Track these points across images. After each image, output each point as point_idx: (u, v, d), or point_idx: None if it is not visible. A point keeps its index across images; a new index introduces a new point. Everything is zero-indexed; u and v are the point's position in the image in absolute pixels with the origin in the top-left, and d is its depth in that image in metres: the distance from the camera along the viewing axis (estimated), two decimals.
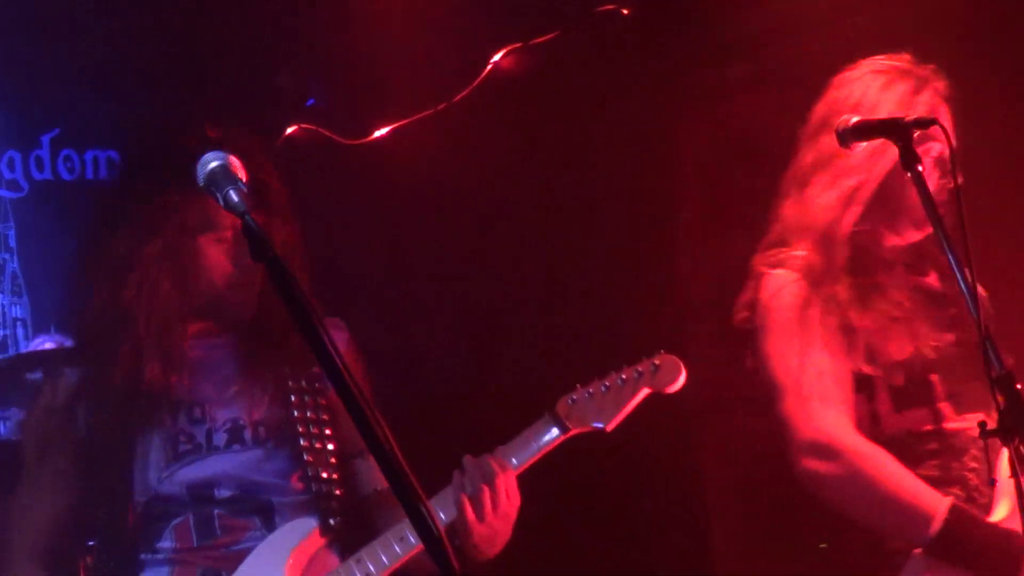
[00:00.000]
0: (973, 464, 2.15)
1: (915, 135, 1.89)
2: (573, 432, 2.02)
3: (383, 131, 3.79)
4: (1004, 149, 2.93)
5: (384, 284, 3.82)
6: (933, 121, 1.93)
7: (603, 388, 2.04)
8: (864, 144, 2.04)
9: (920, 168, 1.87)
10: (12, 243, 3.91)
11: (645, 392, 2.04)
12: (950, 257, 1.82)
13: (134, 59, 3.97)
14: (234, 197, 1.25)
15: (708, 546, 3.71)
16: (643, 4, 3.55)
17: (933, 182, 2.00)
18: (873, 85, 2.22)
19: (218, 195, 1.27)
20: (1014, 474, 1.63)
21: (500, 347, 3.88)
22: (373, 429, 1.07)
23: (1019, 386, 1.66)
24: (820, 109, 2.28)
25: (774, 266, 2.25)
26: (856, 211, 2.21)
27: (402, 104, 3.77)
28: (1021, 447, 1.63)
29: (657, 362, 2.04)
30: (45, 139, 4.02)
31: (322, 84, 3.94)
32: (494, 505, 1.88)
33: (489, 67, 3.63)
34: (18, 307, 3.83)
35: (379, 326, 3.43)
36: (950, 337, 2.20)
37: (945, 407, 2.18)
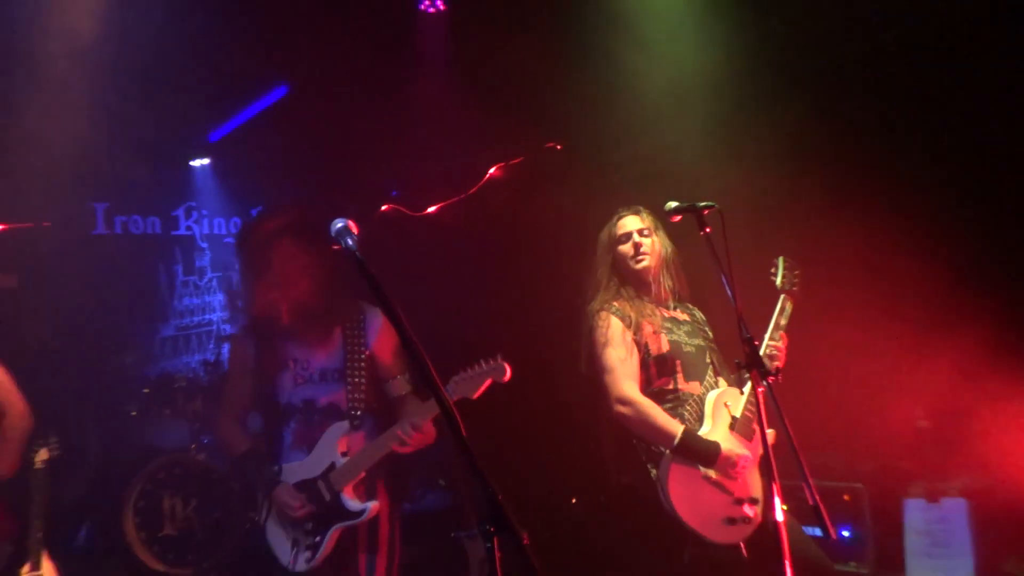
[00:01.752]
0: (690, 408, 2.87)
1: (704, 213, 2.52)
2: (457, 398, 2.52)
3: (433, 208, 5.50)
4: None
5: (430, 297, 5.26)
6: (712, 204, 2.54)
7: (471, 374, 2.55)
8: (678, 217, 2.63)
9: (708, 230, 2.49)
10: (237, 266, 5.83)
11: (489, 380, 2.55)
12: (724, 280, 2.39)
13: (290, 168, 5.66)
14: (349, 242, 1.80)
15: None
16: (566, 139, 5.10)
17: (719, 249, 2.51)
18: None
19: (342, 240, 1.81)
20: (752, 404, 2.51)
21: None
22: (415, 349, 1.64)
23: (757, 342, 2.34)
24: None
25: (601, 310, 2.99)
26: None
27: (444, 193, 5.46)
28: (756, 377, 2.28)
29: (499, 362, 2.56)
30: (253, 212, 6.00)
31: (400, 182, 5.69)
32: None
33: (488, 175, 5.44)
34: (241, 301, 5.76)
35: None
36: (691, 342, 2.98)
37: (679, 378, 2.89)
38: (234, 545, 4.70)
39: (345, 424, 2.64)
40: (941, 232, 3.73)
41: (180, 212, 5.75)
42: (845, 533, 3.54)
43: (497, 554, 1.67)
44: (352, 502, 2.60)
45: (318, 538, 2.59)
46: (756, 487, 2.80)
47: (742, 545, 2.74)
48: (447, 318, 5.43)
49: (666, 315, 3.01)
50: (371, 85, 4.88)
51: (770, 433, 2.69)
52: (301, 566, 2.59)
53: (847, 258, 3.03)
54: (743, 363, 2.29)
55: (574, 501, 4.89)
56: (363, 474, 2.61)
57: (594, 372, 2.94)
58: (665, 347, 2.89)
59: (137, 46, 4.40)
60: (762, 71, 4.24)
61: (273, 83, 4.85)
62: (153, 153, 5.45)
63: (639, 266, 2.99)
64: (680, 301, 3.10)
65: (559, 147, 5.18)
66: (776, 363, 2.88)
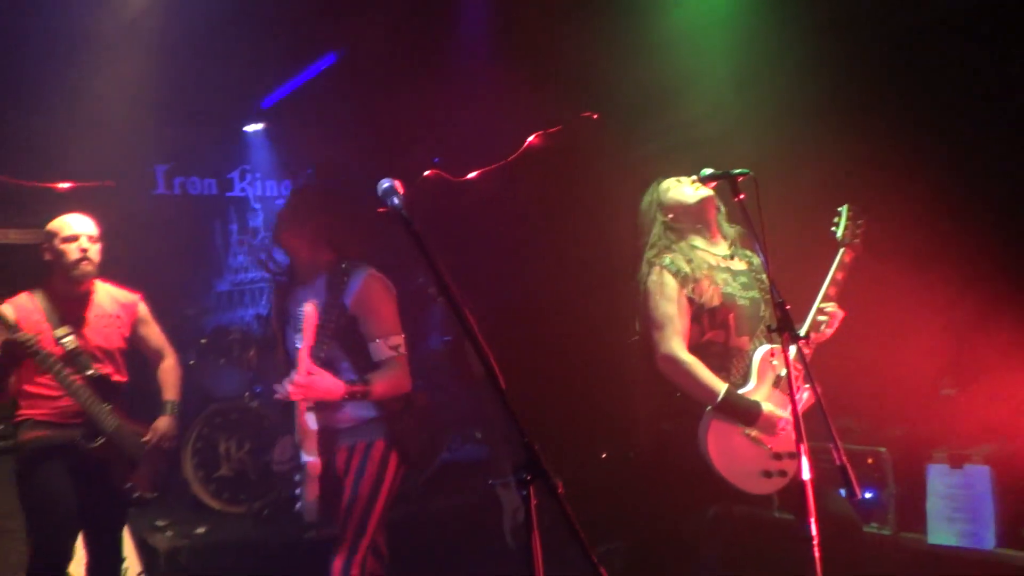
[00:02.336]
0: (736, 363, 2.81)
1: (738, 180, 2.47)
2: None
3: (473, 174, 5.44)
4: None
5: (469, 254, 5.45)
6: (747, 171, 2.48)
7: None
8: (713, 183, 2.68)
9: (742, 197, 2.45)
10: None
11: None
12: (758, 245, 2.37)
13: (337, 134, 5.72)
14: (395, 201, 1.82)
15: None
16: (601, 109, 5.02)
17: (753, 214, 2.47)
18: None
19: (388, 200, 1.83)
20: (786, 362, 2.22)
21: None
22: (458, 307, 1.68)
23: (787, 307, 2.26)
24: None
25: (655, 264, 2.86)
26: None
27: (484, 160, 5.29)
28: (787, 339, 2.24)
29: None
30: (307, 173, 6.08)
31: (442, 149, 5.72)
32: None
33: (526, 143, 5.41)
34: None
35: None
36: (746, 295, 2.84)
37: (731, 332, 2.81)
38: (284, 486, 4.74)
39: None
40: (976, 196, 3.61)
41: (235, 175, 5.85)
42: (867, 495, 3.53)
43: (532, 501, 1.74)
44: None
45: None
46: (794, 443, 2.78)
47: (775, 497, 2.78)
48: (487, 280, 5.50)
49: (722, 264, 2.89)
50: (417, 53, 4.87)
51: (808, 395, 2.66)
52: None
53: (879, 222, 2.95)
54: (774, 326, 2.26)
55: (604, 456, 4.94)
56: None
57: (643, 325, 2.87)
58: (717, 300, 2.79)
59: (194, 17, 4.44)
60: (800, 37, 4.10)
61: (323, 51, 4.85)
62: (210, 119, 5.55)
63: (696, 206, 2.86)
64: (738, 248, 2.99)
65: (595, 116, 5.13)
66: (826, 328, 2.80)
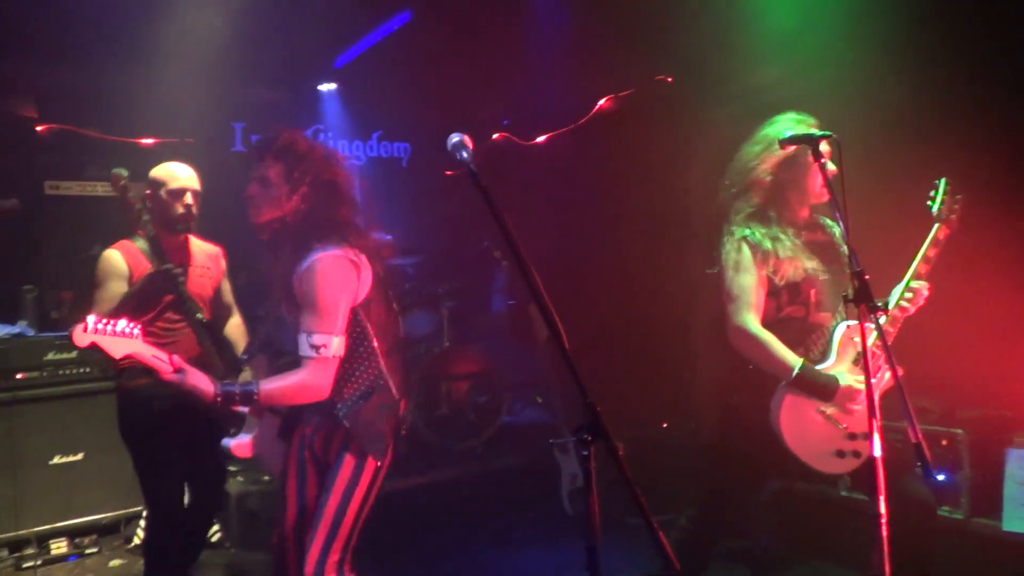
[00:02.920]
0: (816, 339, 2.71)
1: (819, 143, 2.36)
2: None
3: (542, 138, 5.47)
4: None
5: (537, 218, 5.42)
6: (829, 134, 2.39)
7: None
8: (792, 147, 2.53)
9: (822, 160, 2.33)
10: (356, 186, 6.03)
11: None
12: (838, 213, 2.22)
13: (408, 94, 5.76)
14: (464, 155, 1.80)
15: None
16: (676, 72, 4.94)
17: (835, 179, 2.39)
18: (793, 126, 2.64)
19: (456, 153, 1.80)
20: (861, 334, 2.10)
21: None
22: (525, 266, 1.66)
23: (866, 277, 2.11)
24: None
25: (736, 234, 2.71)
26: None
27: (553, 124, 5.40)
28: (865, 310, 2.10)
29: None
30: (375, 135, 6.15)
31: (513, 112, 5.69)
32: None
33: (597, 107, 5.33)
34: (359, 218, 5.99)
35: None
36: (824, 275, 2.70)
37: (811, 307, 2.70)
38: (494, 426, 5.09)
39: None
40: None
41: (308, 133, 5.88)
42: (940, 477, 3.39)
43: (592, 462, 1.71)
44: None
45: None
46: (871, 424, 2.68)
47: (847, 477, 2.67)
48: (554, 245, 5.48)
49: (806, 238, 2.74)
50: (490, 13, 4.81)
51: (889, 376, 2.56)
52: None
53: (967, 196, 2.77)
54: (851, 296, 2.15)
55: (665, 425, 4.90)
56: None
57: (720, 295, 2.74)
58: (799, 275, 2.67)
59: None
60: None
61: (396, 10, 4.82)
62: (286, 78, 5.62)
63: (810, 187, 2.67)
64: (822, 217, 2.83)
65: (670, 80, 5.00)
66: (910, 306, 2.66)
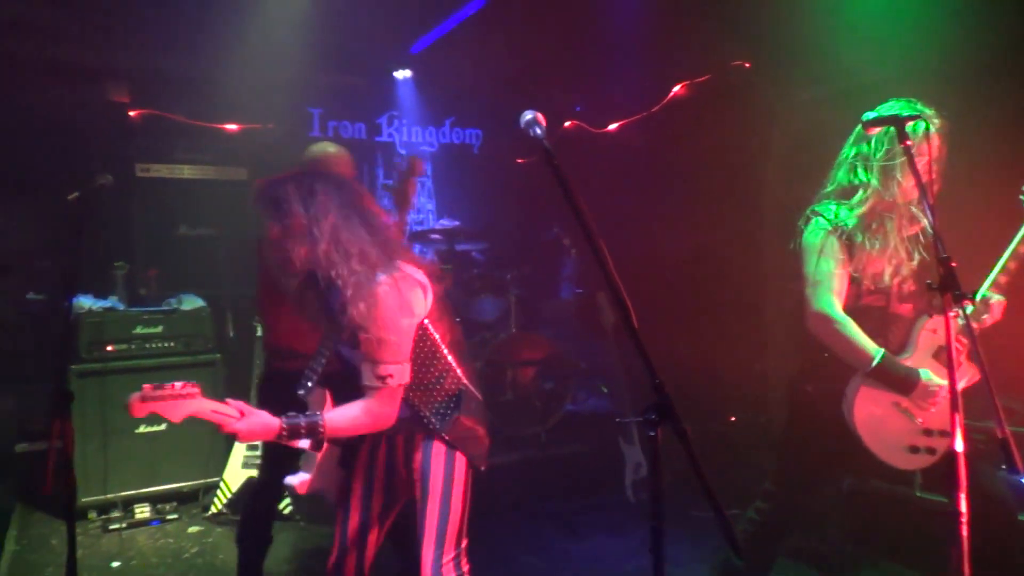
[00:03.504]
0: (896, 330, 2.61)
1: (906, 124, 2.24)
2: None
3: (614, 126, 5.49)
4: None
5: (608, 202, 5.19)
6: (919, 116, 2.26)
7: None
8: (878, 128, 2.40)
9: (909, 143, 2.20)
10: (429, 172, 6.12)
11: None
12: (925, 201, 2.12)
13: (482, 81, 5.77)
14: (538, 131, 1.75)
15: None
16: (754, 57, 4.80)
17: (923, 164, 2.30)
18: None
19: (530, 130, 1.76)
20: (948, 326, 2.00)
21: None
22: (599, 249, 1.64)
23: (953, 264, 2.02)
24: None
25: (822, 216, 2.59)
26: None
27: (625, 112, 5.41)
28: (951, 299, 2.01)
29: None
30: (447, 122, 6.20)
31: (584, 99, 5.67)
32: None
33: (672, 94, 5.26)
34: (430, 204, 6.07)
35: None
36: (909, 265, 2.58)
37: (894, 299, 2.58)
38: (561, 413, 5.08)
39: None
40: None
41: (383, 120, 6.02)
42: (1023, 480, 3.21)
43: (659, 442, 1.70)
44: None
45: None
46: (948, 421, 2.57)
47: (920, 476, 2.58)
48: (622, 233, 5.45)
49: (899, 227, 2.58)
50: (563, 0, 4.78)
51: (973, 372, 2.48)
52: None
53: None
54: (936, 284, 2.06)
55: (733, 419, 4.81)
56: None
57: (799, 279, 2.61)
58: (880, 262, 2.54)
59: None
60: None
61: None
62: (362, 65, 5.72)
63: (888, 175, 2.51)
64: (913, 207, 2.64)
65: (747, 65, 4.89)
66: (995, 300, 2.53)
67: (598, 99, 5.66)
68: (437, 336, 2.26)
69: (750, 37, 4.70)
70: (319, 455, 2.42)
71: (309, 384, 2.33)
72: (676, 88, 5.25)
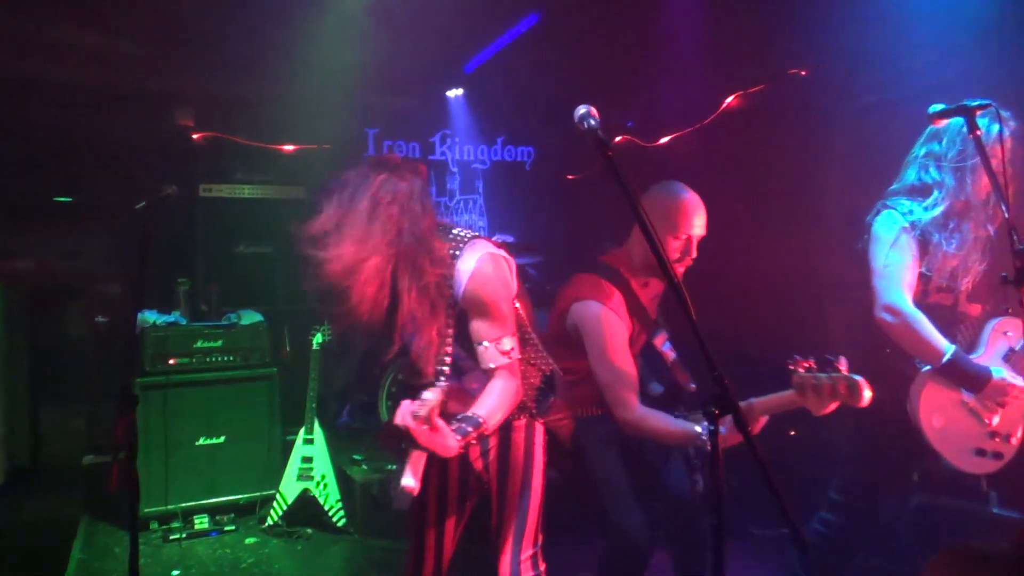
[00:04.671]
0: (964, 330, 2.58)
1: (975, 114, 2.18)
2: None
3: (666, 139, 5.38)
4: None
5: None
6: (988, 103, 2.21)
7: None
8: (945, 120, 2.36)
9: (978, 133, 2.16)
10: (480, 189, 6.16)
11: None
12: (996, 191, 2.09)
13: (534, 99, 5.79)
14: (592, 122, 1.73)
15: None
16: (811, 65, 4.68)
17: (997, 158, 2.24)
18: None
19: (584, 123, 1.74)
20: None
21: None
22: (654, 243, 1.65)
23: None
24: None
25: (896, 210, 2.55)
26: None
27: (678, 125, 5.29)
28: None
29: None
30: (499, 140, 6.26)
31: (634, 114, 5.62)
32: None
33: (725, 104, 5.18)
34: (482, 221, 6.11)
35: None
36: (981, 264, 2.53)
37: (962, 297, 2.56)
38: None
39: None
40: None
41: (436, 138, 6.10)
42: None
43: (719, 436, 1.67)
44: None
45: None
46: (1018, 424, 2.47)
47: (983, 479, 2.47)
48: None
49: (968, 226, 2.51)
50: (617, 13, 4.79)
51: None
52: None
53: None
54: (1010, 277, 1.98)
55: (792, 433, 4.66)
56: None
57: (868, 272, 2.57)
58: (953, 262, 2.49)
59: None
60: None
61: (525, 12, 4.89)
62: (416, 85, 5.82)
63: (960, 168, 2.43)
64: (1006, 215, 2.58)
65: (803, 73, 4.80)
66: None
67: (652, 114, 5.62)
68: (524, 316, 2.20)
69: (807, 44, 4.63)
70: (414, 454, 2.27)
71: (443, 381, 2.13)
72: (729, 99, 5.17)
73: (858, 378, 2.00)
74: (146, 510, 4.23)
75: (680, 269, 2.56)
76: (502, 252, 2.15)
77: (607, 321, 2.53)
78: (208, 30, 4.81)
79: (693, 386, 2.70)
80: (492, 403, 2.03)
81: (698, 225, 2.65)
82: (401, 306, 2.03)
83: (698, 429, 2.41)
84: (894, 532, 3.60)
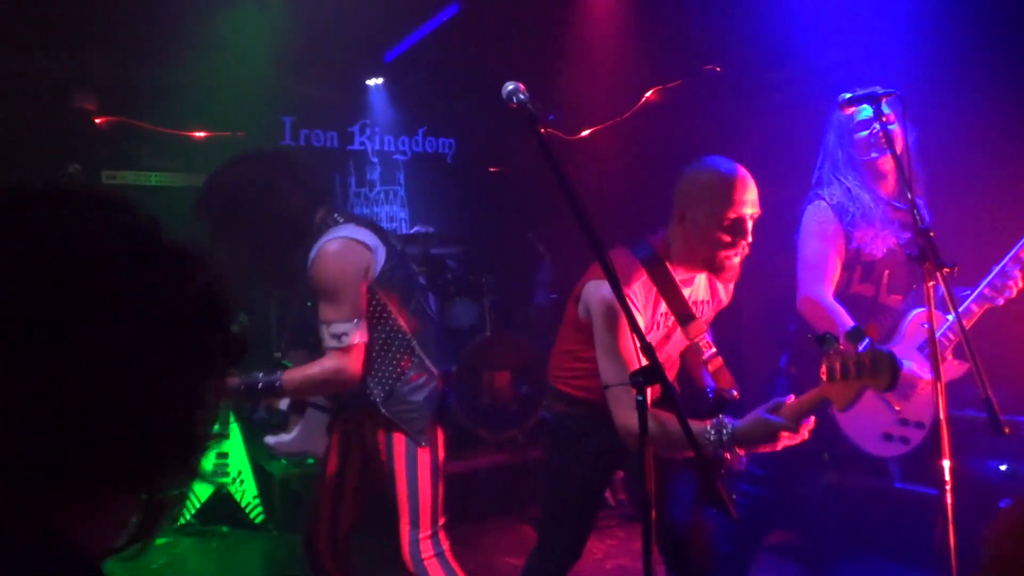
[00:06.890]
0: (884, 320, 2.64)
1: (883, 101, 2.28)
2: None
3: (586, 132, 5.50)
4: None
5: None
6: (893, 91, 2.28)
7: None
8: (854, 108, 2.43)
9: (884, 119, 2.26)
10: (401, 180, 6.08)
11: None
12: (901, 176, 2.19)
13: (454, 90, 5.77)
14: (521, 96, 1.74)
15: None
16: (727, 63, 4.85)
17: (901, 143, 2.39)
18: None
19: (513, 98, 1.75)
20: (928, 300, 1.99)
21: None
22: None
23: (932, 234, 2.03)
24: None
25: (820, 199, 2.62)
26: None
27: (597, 118, 5.41)
28: (929, 268, 2.00)
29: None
30: (420, 131, 6.19)
31: (556, 107, 5.69)
32: None
33: (643, 99, 5.30)
34: (403, 212, 6.03)
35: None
36: (901, 253, 2.57)
37: (882, 288, 2.64)
38: (536, 417, 4.78)
39: None
40: None
41: (356, 128, 5.97)
42: (1002, 467, 3.23)
43: (647, 408, 1.68)
44: None
45: None
46: (926, 413, 2.56)
47: (896, 465, 2.60)
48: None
49: (891, 216, 2.61)
50: (538, 5, 4.81)
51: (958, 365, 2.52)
52: None
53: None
54: (915, 255, 2.07)
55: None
56: None
57: (796, 261, 2.65)
58: (878, 253, 2.57)
59: None
60: None
61: (444, 3, 4.85)
62: (335, 73, 5.68)
63: (874, 157, 2.57)
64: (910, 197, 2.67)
65: (719, 69, 4.95)
66: (1005, 294, 2.52)
67: (573, 108, 5.67)
68: (388, 303, 2.31)
69: (722, 42, 4.75)
70: (299, 418, 2.50)
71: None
72: (648, 94, 5.29)
73: (885, 350, 1.77)
74: None
75: (735, 259, 2.16)
76: (366, 239, 2.26)
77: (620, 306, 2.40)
78: (113, 9, 4.56)
79: (735, 392, 2.33)
80: (302, 373, 2.24)
81: (750, 202, 2.17)
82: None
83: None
84: (807, 512, 3.75)
